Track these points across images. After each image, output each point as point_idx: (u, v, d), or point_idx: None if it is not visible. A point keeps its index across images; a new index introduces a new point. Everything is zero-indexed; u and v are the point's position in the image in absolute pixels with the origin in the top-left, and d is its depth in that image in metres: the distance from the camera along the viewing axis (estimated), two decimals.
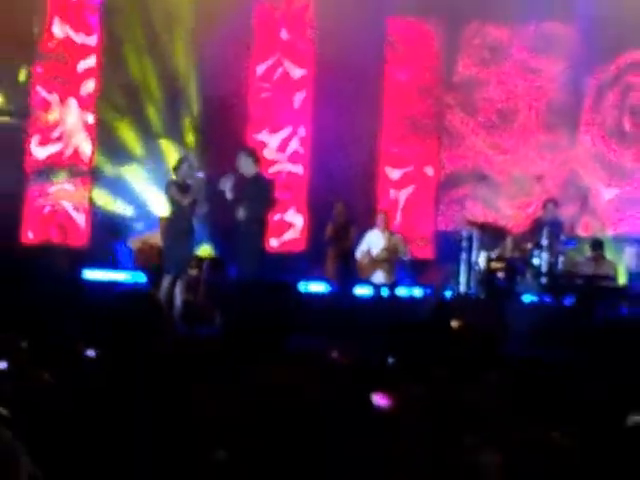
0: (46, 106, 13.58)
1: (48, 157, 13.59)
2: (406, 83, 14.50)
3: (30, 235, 13.54)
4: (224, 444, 3.00)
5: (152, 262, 11.83)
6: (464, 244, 12.25)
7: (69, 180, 13.65)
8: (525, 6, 13.53)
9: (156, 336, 4.28)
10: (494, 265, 11.89)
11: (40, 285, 9.80)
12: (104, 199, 13.71)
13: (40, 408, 3.28)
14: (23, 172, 13.45)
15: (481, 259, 12.00)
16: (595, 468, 3.12)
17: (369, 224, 12.74)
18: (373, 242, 12.50)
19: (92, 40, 13.72)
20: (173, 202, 10.44)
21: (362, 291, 12.57)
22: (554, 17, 14.00)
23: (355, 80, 13.56)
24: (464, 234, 12.35)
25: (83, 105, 13.70)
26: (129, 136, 13.77)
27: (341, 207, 12.62)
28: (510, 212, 14.17)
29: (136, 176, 13.82)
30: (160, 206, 12.42)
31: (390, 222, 12.97)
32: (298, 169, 14.38)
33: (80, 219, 13.70)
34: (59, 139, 13.65)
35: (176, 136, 13.87)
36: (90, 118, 13.74)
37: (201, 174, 11.09)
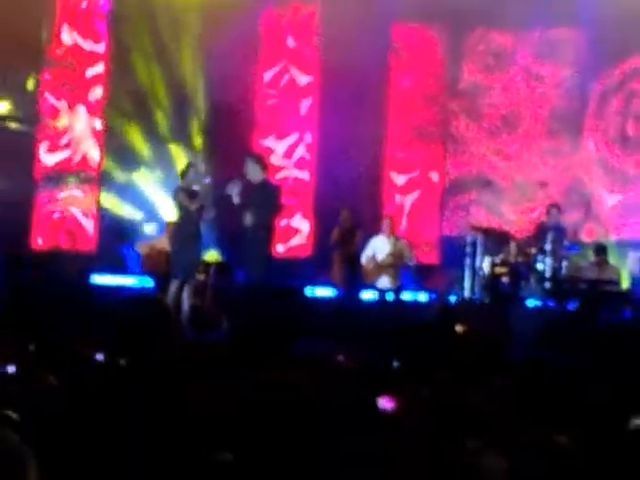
0: (55, 113, 13.65)
1: (57, 163, 13.66)
2: (411, 89, 14.53)
3: (40, 241, 13.60)
4: (227, 444, 3.03)
5: (160, 267, 11.87)
6: (468, 249, 12.28)
7: (78, 186, 13.71)
8: (529, 13, 13.56)
9: (164, 340, 4.33)
10: (498, 270, 11.91)
11: (49, 290, 9.85)
12: (113, 204, 13.76)
13: (47, 411, 3.29)
14: (32, 178, 13.52)
15: (485, 264, 12.02)
16: (598, 471, 3.14)
17: (374, 229, 12.78)
18: (378, 247, 12.53)
19: (100, 47, 13.79)
20: (181, 207, 10.49)
21: (368, 296, 12.60)
22: (558, 23, 14.01)
23: (360, 86, 13.60)
24: (468, 239, 12.38)
25: (91, 112, 13.77)
26: (137, 142, 13.82)
27: (347, 213, 12.67)
28: (514, 217, 14.19)
29: (145, 181, 13.88)
30: (169, 210, 12.47)
31: (395, 227, 13.00)
32: (304, 175, 14.42)
33: (89, 225, 13.75)
34: (68, 146, 13.71)
35: (184, 141, 13.93)
36: (98, 124, 13.80)
37: (208, 179, 11.16)
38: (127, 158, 13.80)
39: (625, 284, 12.54)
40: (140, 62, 13.70)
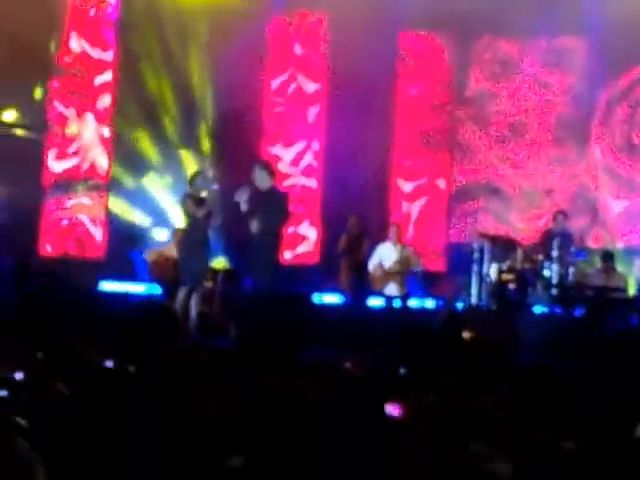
0: (63, 120, 13.69)
1: (65, 171, 13.70)
2: (418, 97, 14.56)
3: (48, 248, 13.64)
4: (234, 448, 3.05)
5: (168, 274, 11.89)
6: (475, 256, 12.29)
7: (86, 194, 13.75)
8: (536, 21, 13.58)
9: (171, 346, 4.35)
10: (505, 277, 11.92)
11: (57, 297, 9.87)
12: (122, 210, 13.80)
13: (55, 418, 3.31)
14: (41, 186, 13.56)
15: (492, 271, 12.04)
16: (604, 478, 3.16)
17: (381, 236, 12.80)
18: (385, 254, 12.55)
19: (108, 55, 13.83)
20: (188, 215, 10.53)
21: (375, 302, 12.62)
22: (564, 32, 14.04)
23: (368, 94, 13.63)
24: (475, 246, 12.40)
25: (100, 119, 13.81)
26: (146, 148, 13.86)
27: (354, 219, 12.70)
28: (521, 225, 14.20)
29: (154, 187, 13.91)
30: (178, 216, 12.50)
31: (402, 235, 13.02)
32: (312, 183, 14.45)
33: (97, 232, 13.78)
34: (76, 153, 13.75)
35: (192, 148, 13.97)
36: (106, 132, 13.84)
37: (215, 186, 11.20)
38: (136, 165, 13.84)
39: (632, 291, 12.54)
40: (148, 70, 13.75)
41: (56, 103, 13.67)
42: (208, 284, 11.32)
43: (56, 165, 13.70)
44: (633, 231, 14.11)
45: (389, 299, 12.41)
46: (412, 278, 12.71)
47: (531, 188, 14.28)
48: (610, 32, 13.31)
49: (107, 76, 13.81)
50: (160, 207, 13.86)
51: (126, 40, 13.77)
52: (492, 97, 14.48)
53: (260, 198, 10.16)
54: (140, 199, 13.81)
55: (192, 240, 10.47)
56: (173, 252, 11.81)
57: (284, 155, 14.32)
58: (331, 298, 12.72)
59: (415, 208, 14.58)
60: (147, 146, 13.85)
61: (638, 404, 3.61)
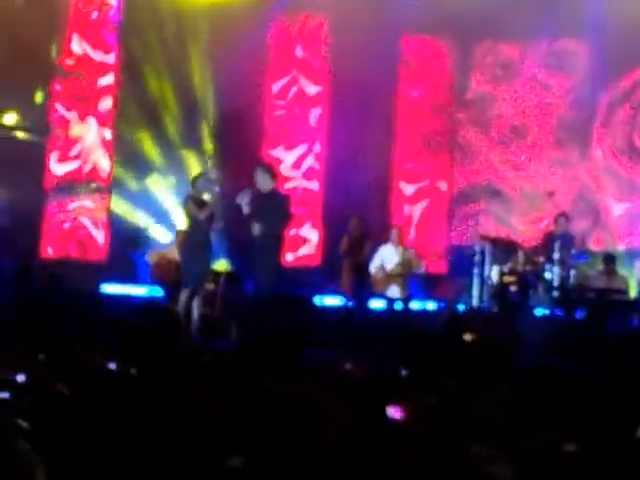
0: (65, 123, 13.70)
1: (67, 174, 13.71)
2: (419, 100, 14.57)
3: (50, 251, 13.65)
4: (234, 450, 3.05)
5: (170, 276, 11.91)
6: (477, 258, 12.30)
7: (88, 196, 13.76)
8: (536, 24, 13.59)
9: (174, 349, 4.35)
10: (506, 279, 11.92)
11: (59, 299, 9.89)
12: (124, 212, 13.81)
13: (57, 420, 3.32)
14: (43, 189, 13.57)
15: (494, 273, 12.04)
16: (605, 479, 3.17)
17: (383, 239, 12.81)
18: (387, 257, 12.56)
19: (110, 58, 13.84)
20: (190, 217, 10.55)
21: (376, 305, 12.63)
22: (565, 34, 14.05)
23: (369, 97, 13.64)
24: (477, 248, 12.41)
25: (101, 122, 13.82)
26: (149, 149, 13.88)
27: (356, 221, 12.71)
28: (522, 227, 14.21)
29: (157, 188, 13.92)
30: (180, 218, 12.51)
31: (404, 237, 13.04)
32: (313, 185, 14.46)
33: (99, 235, 13.79)
34: (78, 156, 13.77)
35: (194, 149, 13.98)
36: (108, 134, 13.85)
37: (217, 188, 11.21)
38: (138, 166, 13.85)
39: (633, 293, 12.55)
40: (150, 72, 13.76)
41: (58, 106, 13.67)
42: (210, 286, 11.34)
43: (58, 168, 13.70)
44: (634, 233, 14.12)
45: (391, 301, 12.42)
46: (413, 280, 12.72)
47: (532, 190, 14.29)
48: (611, 34, 13.32)
49: (109, 79, 13.82)
50: (163, 208, 13.86)
51: (128, 43, 13.78)
52: (493, 100, 14.50)
53: (262, 200, 10.17)
54: (143, 200, 13.82)
55: (194, 242, 10.48)
56: (175, 254, 11.82)
57: (286, 158, 14.33)
58: (332, 300, 12.73)
59: (416, 210, 14.59)
60: (149, 148, 13.86)
61: (639, 406, 3.61)
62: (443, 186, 14.62)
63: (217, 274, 11.87)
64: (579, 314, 11.60)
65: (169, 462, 3.13)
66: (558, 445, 3.27)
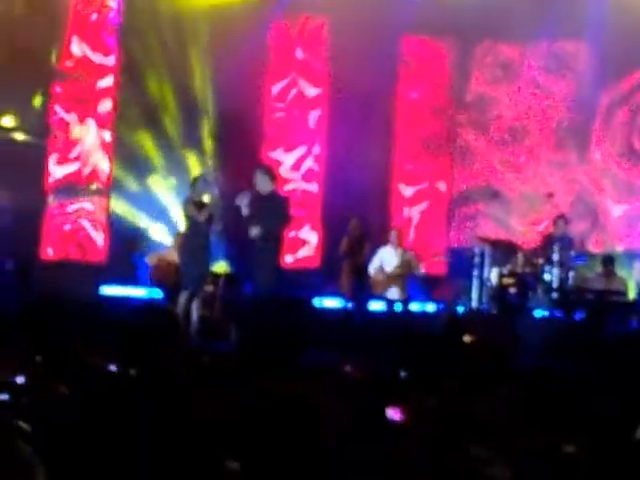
0: (64, 126, 13.70)
1: (66, 176, 13.71)
2: (419, 101, 14.58)
3: (50, 252, 13.65)
4: (233, 452, 3.06)
5: (169, 278, 11.91)
6: (476, 260, 12.32)
7: (88, 198, 13.76)
8: (536, 25, 13.60)
9: (173, 351, 4.36)
10: (506, 281, 11.94)
11: (58, 300, 9.89)
12: (125, 214, 13.81)
13: (57, 421, 3.32)
14: (42, 191, 13.58)
15: (493, 275, 12.06)
16: None
17: (382, 240, 12.82)
18: (386, 258, 12.58)
19: (110, 60, 13.84)
20: (189, 219, 10.56)
21: (376, 306, 12.64)
22: (565, 36, 14.06)
23: (369, 98, 13.64)
24: (476, 250, 12.42)
25: (101, 124, 13.82)
26: (148, 152, 13.88)
27: (356, 221, 12.71)
28: (521, 229, 14.22)
29: (158, 189, 13.93)
30: (180, 220, 12.52)
31: (403, 239, 13.05)
32: (313, 187, 14.46)
33: (99, 237, 13.79)
34: (77, 158, 13.77)
35: (194, 151, 13.99)
36: (108, 136, 13.86)
37: (216, 190, 11.22)
38: (138, 168, 13.85)
39: (632, 295, 12.56)
40: (150, 75, 13.76)
41: (57, 108, 13.67)
42: (209, 288, 11.35)
43: (58, 170, 13.70)
44: (633, 235, 14.13)
45: (390, 303, 12.42)
46: (413, 282, 12.72)
47: (531, 192, 14.30)
48: (610, 36, 13.33)
49: (108, 81, 13.82)
50: (163, 210, 13.86)
51: (128, 45, 13.77)
52: (493, 101, 14.51)
53: (261, 202, 10.18)
54: (143, 202, 13.82)
55: (193, 244, 10.49)
56: (174, 256, 11.83)
57: (285, 159, 14.33)
58: (332, 302, 12.73)
59: (416, 212, 14.60)
60: (149, 149, 13.87)
61: (638, 407, 3.62)
62: (442, 188, 14.63)
63: (216, 276, 11.87)
64: (578, 316, 11.61)
65: (169, 464, 3.13)
66: (557, 446, 3.28)
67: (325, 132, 14.37)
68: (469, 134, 14.56)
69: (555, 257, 11.75)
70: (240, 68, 13.14)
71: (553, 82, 14.39)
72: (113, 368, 4.31)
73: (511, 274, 11.94)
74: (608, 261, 12.51)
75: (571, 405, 3.63)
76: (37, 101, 13.48)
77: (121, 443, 3.15)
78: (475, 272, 12.30)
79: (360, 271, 12.57)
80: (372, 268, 12.57)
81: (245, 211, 10.20)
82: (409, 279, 12.62)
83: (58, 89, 13.65)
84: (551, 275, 11.77)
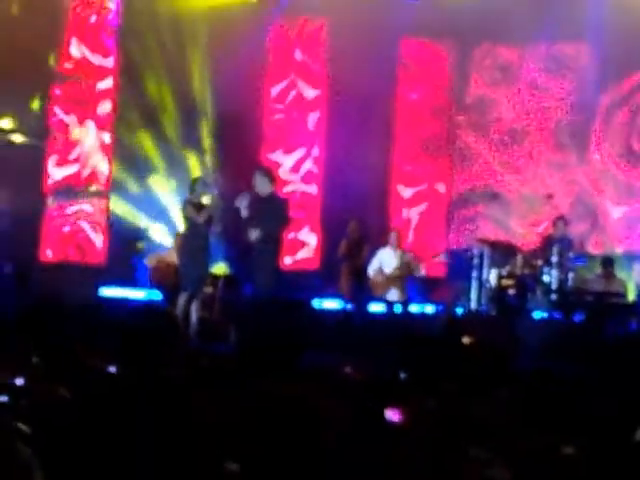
0: (64, 127, 13.71)
1: (66, 178, 13.71)
2: (418, 103, 14.58)
3: (49, 254, 13.65)
4: (233, 453, 3.06)
5: (168, 280, 11.91)
6: (475, 262, 12.31)
7: (87, 200, 13.76)
8: (535, 27, 13.60)
9: (173, 352, 4.36)
10: (505, 282, 11.94)
11: (57, 302, 9.88)
12: (125, 215, 13.80)
13: (56, 423, 3.32)
14: (41, 192, 13.58)
15: (492, 276, 12.06)
16: None
17: (382, 242, 12.82)
18: (385, 260, 12.58)
19: (109, 62, 13.85)
20: (188, 220, 10.56)
21: (376, 308, 12.64)
22: (564, 37, 14.05)
23: (368, 100, 13.64)
24: (475, 252, 12.41)
25: (100, 126, 13.82)
26: (148, 153, 13.89)
27: (355, 223, 12.71)
28: (520, 230, 14.22)
29: (158, 191, 13.94)
30: (179, 221, 12.52)
31: (402, 240, 13.05)
32: (312, 189, 14.47)
33: (98, 239, 13.80)
34: (77, 160, 13.77)
35: (194, 152, 14.00)
36: (107, 138, 13.86)
37: (215, 190, 11.22)
38: (138, 170, 13.85)
39: (631, 296, 12.55)
40: (149, 76, 13.77)
41: (57, 110, 13.68)
42: (208, 290, 11.35)
43: (57, 172, 13.70)
44: (632, 236, 14.13)
45: (390, 305, 12.43)
46: (412, 283, 12.72)
47: (531, 193, 14.29)
48: (610, 37, 13.33)
49: (108, 82, 13.82)
50: (163, 210, 13.86)
51: (127, 47, 13.77)
52: (492, 103, 14.51)
53: (260, 204, 10.19)
54: (143, 203, 13.83)
55: (192, 246, 10.49)
56: (173, 258, 11.83)
57: (284, 161, 14.34)
58: (331, 304, 12.73)
59: (415, 214, 14.60)
60: (149, 150, 13.87)
61: (637, 409, 3.62)
62: (442, 189, 14.63)
63: (216, 277, 11.87)
64: (577, 317, 11.60)
65: (168, 465, 3.13)
66: (556, 448, 3.28)
67: (324, 134, 14.37)
68: (468, 136, 14.57)
69: (554, 258, 11.75)
70: (239, 70, 13.14)
71: (552, 84, 14.39)
72: (112, 370, 4.31)
73: (510, 275, 11.94)
74: (607, 263, 12.50)
75: (570, 407, 3.63)
76: (35, 104, 13.48)
77: (120, 445, 3.15)
78: (474, 273, 12.29)
79: (359, 273, 12.57)
80: (371, 270, 12.57)
81: (244, 213, 10.20)
82: (408, 281, 12.62)
83: (57, 91, 13.66)
84: (550, 276, 11.77)
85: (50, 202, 13.63)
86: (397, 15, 13.76)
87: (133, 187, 13.86)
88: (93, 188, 13.80)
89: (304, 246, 14.38)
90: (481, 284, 12.21)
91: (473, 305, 12.26)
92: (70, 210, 13.71)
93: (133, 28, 13.76)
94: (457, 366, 4.33)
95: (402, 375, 4.41)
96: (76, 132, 13.71)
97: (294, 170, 14.40)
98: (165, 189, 13.91)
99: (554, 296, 11.76)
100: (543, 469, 3.21)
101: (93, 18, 13.88)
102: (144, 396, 3.43)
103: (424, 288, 13.27)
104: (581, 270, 12.29)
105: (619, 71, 13.99)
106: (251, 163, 12.44)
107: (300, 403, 3.09)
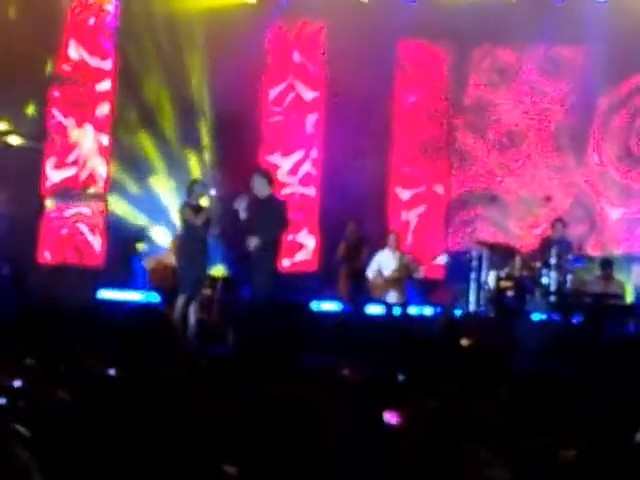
0: (62, 130, 13.71)
1: (63, 180, 13.72)
2: (416, 105, 14.58)
3: (47, 256, 13.65)
4: (236, 455, 3.06)
5: (166, 282, 11.92)
6: (474, 264, 12.32)
7: (85, 202, 13.77)
8: (534, 29, 13.61)
9: (171, 354, 4.36)
10: (503, 284, 11.94)
11: (56, 304, 9.88)
12: (124, 216, 13.80)
13: (55, 425, 3.32)
14: (40, 195, 13.58)
15: (490, 278, 12.06)
16: None
17: (380, 244, 12.82)
18: (384, 262, 12.58)
19: (107, 64, 13.86)
20: (186, 223, 10.56)
21: (374, 310, 12.64)
22: (563, 40, 14.05)
23: (366, 102, 13.65)
24: (474, 254, 12.42)
25: (99, 128, 13.83)
26: (147, 154, 13.89)
27: (353, 226, 12.72)
28: (519, 232, 14.22)
29: (157, 192, 13.94)
30: (177, 223, 12.51)
31: (401, 242, 13.05)
32: (310, 191, 14.47)
33: (96, 241, 13.80)
34: (75, 162, 13.78)
35: (192, 153, 14.00)
36: (105, 140, 13.86)
37: (213, 192, 11.23)
38: (136, 171, 13.85)
39: (630, 298, 12.56)
40: (147, 78, 13.78)
41: (55, 112, 13.68)
42: (207, 292, 11.35)
43: (55, 174, 13.71)
44: (631, 238, 14.13)
45: (388, 306, 12.43)
46: (411, 285, 12.72)
47: (529, 195, 14.29)
48: (608, 40, 13.33)
49: (106, 84, 13.84)
50: (163, 211, 13.86)
51: (125, 49, 13.79)
52: (490, 105, 14.50)
53: (259, 206, 10.19)
54: (141, 205, 13.83)
55: (190, 248, 10.50)
56: (172, 260, 11.83)
57: (282, 164, 14.34)
58: (330, 306, 12.73)
59: (413, 216, 14.60)
60: (147, 152, 13.88)
61: (637, 410, 3.62)
62: (440, 191, 14.63)
63: (214, 279, 11.87)
64: (576, 319, 11.61)
65: (168, 467, 3.13)
66: (556, 449, 3.28)
67: (322, 136, 14.37)
68: (467, 138, 14.56)
69: (553, 260, 11.76)
70: (237, 72, 13.15)
71: (551, 86, 14.39)
72: (111, 372, 4.30)
73: (509, 277, 11.94)
74: (606, 264, 12.51)
75: (569, 408, 3.63)
76: (30, 109, 13.47)
77: (119, 447, 3.15)
78: (473, 275, 12.29)
79: (358, 275, 12.57)
80: (370, 272, 12.57)
81: (243, 215, 10.21)
82: (407, 283, 12.61)
83: (56, 93, 13.67)
84: (549, 278, 11.78)
85: (48, 204, 13.64)
86: (395, 17, 13.78)
87: (132, 188, 13.87)
88: (91, 190, 13.81)
89: (302, 248, 14.38)
90: (480, 286, 12.21)
91: (472, 307, 12.26)
92: (68, 212, 13.71)
93: (131, 30, 13.77)
94: (456, 368, 4.33)
95: (400, 377, 4.41)
96: (74, 134, 13.72)
97: (292, 172, 14.41)
98: (164, 190, 13.92)
99: (553, 298, 11.76)
100: (543, 469, 3.21)
101: (91, 20, 13.90)
102: (143, 397, 3.43)
103: (423, 290, 13.27)
104: (580, 272, 12.30)
105: (617, 73, 13.98)
106: (249, 165, 12.45)
107: (300, 403, 3.09)
